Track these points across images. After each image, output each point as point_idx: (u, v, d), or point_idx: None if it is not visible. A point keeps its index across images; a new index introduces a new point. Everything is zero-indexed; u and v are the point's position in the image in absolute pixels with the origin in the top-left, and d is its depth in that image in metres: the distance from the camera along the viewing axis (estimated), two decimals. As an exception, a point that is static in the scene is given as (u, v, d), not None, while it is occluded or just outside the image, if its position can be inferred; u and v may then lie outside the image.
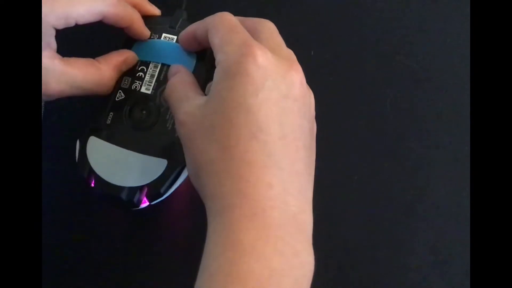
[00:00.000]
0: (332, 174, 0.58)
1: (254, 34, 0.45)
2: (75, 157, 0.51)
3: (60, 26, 0.48)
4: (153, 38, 0.53)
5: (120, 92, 0.52)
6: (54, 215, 0.57)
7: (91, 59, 0.51)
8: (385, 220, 0.57)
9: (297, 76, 0.43)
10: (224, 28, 0.44)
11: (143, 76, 0.52)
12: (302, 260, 0.40)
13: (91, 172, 0.49)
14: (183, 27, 0.53)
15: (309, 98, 0.45)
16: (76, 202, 0.57)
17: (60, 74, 0.48)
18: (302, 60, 0.51)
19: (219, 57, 0.43)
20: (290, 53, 0.46)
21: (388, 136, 0.59)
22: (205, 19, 0.47)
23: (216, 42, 0.44)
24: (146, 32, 0.53)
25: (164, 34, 0.53)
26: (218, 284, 0.38)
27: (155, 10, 0.55)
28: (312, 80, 0.46)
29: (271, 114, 0.41)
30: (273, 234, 0.39)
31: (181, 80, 0.47)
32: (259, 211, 0.39)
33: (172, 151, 0.49)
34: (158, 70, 0.52)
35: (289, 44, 0.51)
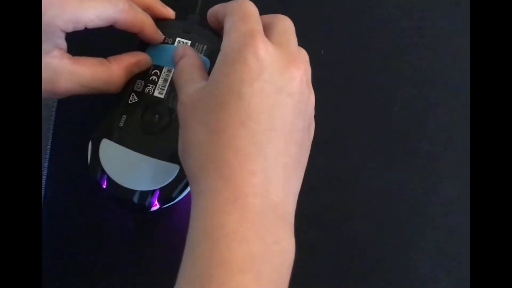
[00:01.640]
0: (341, 173, 0.59)
1: (268, 27, 0.46)
2: (87, 157, 0.51)
3: (69, 29, 0.48)
4: (167, 42, 0.53)
5: (133, 95, 0.52)
6: (63, 215, 0.58)
7: (101, 58, 0.51)
8: (393, 219, 0.57)
9: (297, 72, 0.44)
10: (238, 15, 0.45)
11: (156, 80, 0.52)
12: (282, 248, 0.41)
13: (103, 174, 0.50)
14: (197, 31, 0.53)
15: (308, 97, 0.46)
16: (86, 201, 0.57)
17: (69, 73, 0.48)
18: (312, 60, 0.52)
19: (223, 42, 0.44)
20: (297, 51, 0.46)
21: (397, 135, 0.60)
22: (230, 2, 0.48)
23: (227, 26, 0.45)
24: (158, 36, 0.53)
25: (178, 39, 0.53)
26: (202, 270, 0.39)
27: (169, 13, 0.55)
28: (321, 79, 0.47)
29: (263, 105, 0.42)
30: (254, 220, 0.40)
31: (190, 63, 0.48)
32: (241, 196, 0.40)
33: None
34: (171, 74, 0.52)
35: (299, 44, 0.51)
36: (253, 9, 0.46)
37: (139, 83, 0.52)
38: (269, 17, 0.47)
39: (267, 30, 0.45)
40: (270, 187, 0.41)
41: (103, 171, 0.50)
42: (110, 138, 0.51)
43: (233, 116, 0.41)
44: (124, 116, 0.52)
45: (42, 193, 0.58)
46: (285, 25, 0.47)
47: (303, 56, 0.47)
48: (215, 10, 0.50)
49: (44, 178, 0.58)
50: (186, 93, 0.45)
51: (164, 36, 0.54)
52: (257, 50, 0.42)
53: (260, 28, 0.44)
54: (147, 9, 0.53)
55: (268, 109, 0.42)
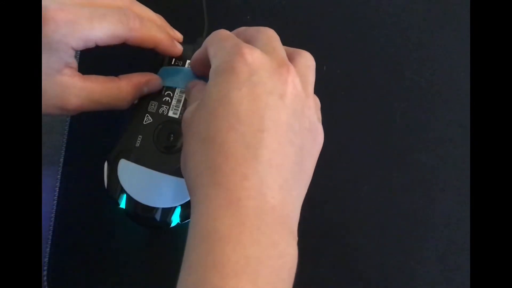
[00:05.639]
0: (342, 184, 0.60)
1: (251, 40, 0.46)
2: (103, 178, 0.52)
3: (80, 47, 0.49)
4: (177, 65, 0.55)
5: (147, 116, 0.53)
6: (78, 234, 0.59)
7: (111, 76, 0.52)
8: (394, 230, 0.59)
9: (287, 75, 0.44)
10: (217, 40, 0.46)
11: (170, 101, 0.54)
12: (281, 251, 0.40)
13: (123, 193, 0.51)
14: None
15: (304, 99, 0.45)
16: (97, 219, 0.59)
17: (80, 89, 0.50)
18: (315, 75, 0.52)
19: (212, 62, 0.45)
20: (286, 57, 0.46)
21: (397, 148, 0.62)
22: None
23: (211, 53, 0.46)
24: (176, 50, 0.54)
25: (188, 61, 0.55)
26: (197, 275, 0.39)
27: (176, 36, 0.56)
28: (324, 94, 0.48)
29: (252, 108, 0.42)
30: (249, 223, 0.40)
31: (198, 88, 0.50)
32: (234, 199, 0.40)
33: None
34: (184, 95, 0.54)
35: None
36: (228, 32, 0.47)
37: (153, 104, 0.54)
38: (250, 30, 0.47)
39: (251, 43, 0.45)
40: (266, 190, 0.41)
41: (122, 191, 0.51)
42: (127, 158, 0.52)
43: (222, 122, 0.41)
44: (140, 136, 0.53)
45: (54, 208, 0.59)
46: (268, 35, 0.46)
47: (301, 61, 0.46)
48: (196, 55, 0.51)
49: (56, 193, 0.60)
50: (186, 111, 0.46)
51: (182, 48, 0.55)
52: (244, 56, 0.43)
53: (241, 41, 0.45)
54: None
55: (258, 111, 0.42)
